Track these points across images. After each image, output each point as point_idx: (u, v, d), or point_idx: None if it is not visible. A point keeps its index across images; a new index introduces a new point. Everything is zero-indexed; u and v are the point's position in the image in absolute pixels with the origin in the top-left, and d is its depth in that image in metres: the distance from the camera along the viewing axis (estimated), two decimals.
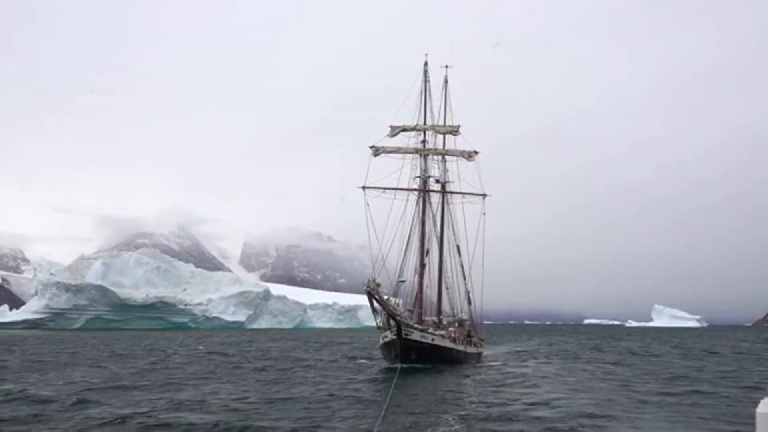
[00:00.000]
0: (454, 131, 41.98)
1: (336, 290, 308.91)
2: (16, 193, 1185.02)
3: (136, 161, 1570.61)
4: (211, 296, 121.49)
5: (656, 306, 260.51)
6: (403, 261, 40.45)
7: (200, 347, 53.51)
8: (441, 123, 42.52)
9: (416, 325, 34.90)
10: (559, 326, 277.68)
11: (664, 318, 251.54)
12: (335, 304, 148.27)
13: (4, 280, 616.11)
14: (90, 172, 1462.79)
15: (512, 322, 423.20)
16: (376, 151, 40.34)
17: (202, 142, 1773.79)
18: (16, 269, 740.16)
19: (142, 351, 46.89)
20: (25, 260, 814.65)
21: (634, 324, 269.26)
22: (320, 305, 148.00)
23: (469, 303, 45.06)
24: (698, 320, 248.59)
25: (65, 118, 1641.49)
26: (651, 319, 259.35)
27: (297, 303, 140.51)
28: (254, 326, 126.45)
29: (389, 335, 33.68)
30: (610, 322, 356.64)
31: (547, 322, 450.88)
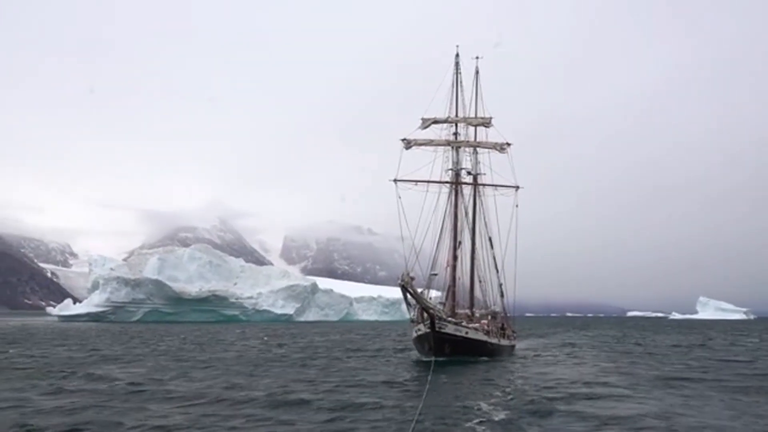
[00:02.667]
0: (486, 123, 41.65)
1: (376, 283, 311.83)
2: (62, 189, 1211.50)
3: (176, 156, 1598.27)
4: (261, 290, 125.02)
5: (701, 298, 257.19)
6: (435, 254, 40.45)
7: (265, 338, 56.70)
8: (472, 115, 42.22)
9: (450, 319, 34.91)
10: (601, 319, 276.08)
11: (709, 310, 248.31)
12: (380, 297, 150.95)
13: (53, 273, 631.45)
14: (132, 166, 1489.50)
15: (554, 315, 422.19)
16: (408, 143, 40.25)
17: (240, 136, 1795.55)
18: (65, 263, 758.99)
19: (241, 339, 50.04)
20: (73, 254, 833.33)
21: (678, 316, 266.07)
22: (365, 298, 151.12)
23: (502, 295, 44.91)
24: (745, 312, 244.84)
25: (107, 113, 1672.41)
26: (696, 312, 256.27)
27: (343, 296, 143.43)
28: (302, 319, 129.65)
29: (422, 328, 33.64)
30: (654, 315, 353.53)
31: (589, 315, 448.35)
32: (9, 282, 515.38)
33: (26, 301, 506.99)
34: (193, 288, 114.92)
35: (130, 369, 28.47)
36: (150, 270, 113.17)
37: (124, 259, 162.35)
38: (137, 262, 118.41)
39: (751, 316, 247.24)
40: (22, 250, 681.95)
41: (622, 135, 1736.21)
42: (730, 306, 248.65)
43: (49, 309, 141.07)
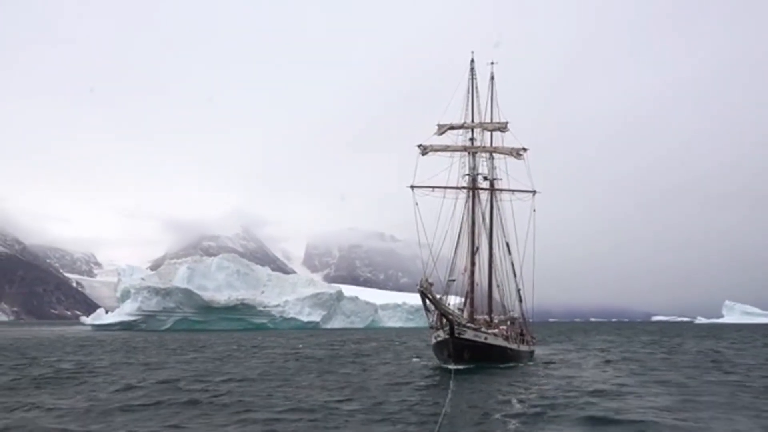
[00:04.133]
0: (502, 128, 41.63)
1: (399, 289, 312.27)
2: (86, 198, 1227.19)
3: (199, 164, 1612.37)
4: (288, 298, 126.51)
5: (727, 302, 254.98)
6: (453, 259, 40.47)
7: (300, 345, 57.99)
8: (488, 120, 42.15)
9: (469, 324, 34.87)
10: (625, 324, 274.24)
11: (735, 314, 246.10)
12: (404, 304, 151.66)
13: (78, 283, 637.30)
14: (156, 176, 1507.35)
15: (578, 320, 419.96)
16: (424, 149, 40.16)
17: (262, 144, 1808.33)
18: (89, 273, 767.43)
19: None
20: (98, 264, 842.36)
21: (704, 321, 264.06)
22: (390, 305, 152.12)
23: (520, 301, 44.77)
24: None
25: (129, 122, 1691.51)
26: (722, 316, 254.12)
27: (368, 303, 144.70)
28: (328, 326, 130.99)
29: (441, 334, 33.54)
30: (679, 319, 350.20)
31: (614, 320, 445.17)
32: (35, 292, 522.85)
33: (52, 311, 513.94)
34: (222, 296, 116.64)
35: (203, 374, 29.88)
36: (180, 279, 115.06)
37: (149, 268, 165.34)
38: (167, 272, 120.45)
39: None
40: (48, 261, 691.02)
41: (639, 133, 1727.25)
42: (757, 310, 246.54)
43: (83, 318, 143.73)
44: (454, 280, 39.65)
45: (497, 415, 18.32)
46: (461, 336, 32.56)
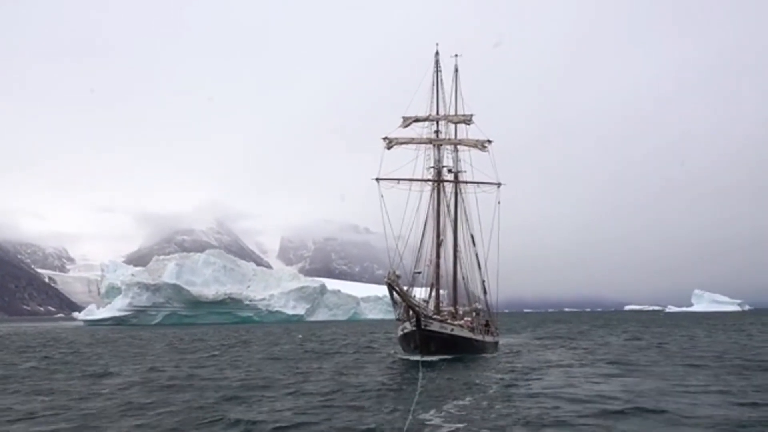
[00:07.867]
0: (467, 120, 41.38)
1: (375, 281, 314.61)
2: (58, 193, 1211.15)
3: (172, 158, 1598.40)
4: (273, 292, 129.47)
5: (696, 291, 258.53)
6: (419, 252, 40.65)
7: (299, 336, 60.89)
8: (453, 113, 41.98)
9: (435, 316, 35.38)
10: (598, 313, 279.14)
11: (704, 303, 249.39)
12: (385, 296, 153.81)
13: (50, 279, 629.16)
14: (129, 170, 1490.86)
15: (551, 310, 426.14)
16: (390, 142, 40.11)
17: (238, 138, 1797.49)
18: (62, 268, 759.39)
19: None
20: (70, 259, 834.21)
21: (674, 309, 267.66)
22: (371, 298, 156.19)
23: (485, 292, 44.94)
24: (739, 304, 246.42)
25: (102, 116, 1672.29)
26: (691, 304, 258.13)
27: (350, 296, 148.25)
28: (312, 319, 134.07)
29: (408, 326, 33.97)
30: (651, 308, 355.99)
31: (587, 309, 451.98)
32: (7, 288, 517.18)
33: (25, 307, 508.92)
34: (210, 291, 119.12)
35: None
36: (168, 275, 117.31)
37: (124, 263, 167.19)
38: (155, 268, 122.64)
39: (746, 308, 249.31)
40: (19, 257, 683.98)
41: (620, 133, 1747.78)
42: (725, 298, 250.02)
43: (74, 314, 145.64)
44: (420, 272, 40.02)
45: (463, 393, 21.16)
46: (427, 328, 33.10)
